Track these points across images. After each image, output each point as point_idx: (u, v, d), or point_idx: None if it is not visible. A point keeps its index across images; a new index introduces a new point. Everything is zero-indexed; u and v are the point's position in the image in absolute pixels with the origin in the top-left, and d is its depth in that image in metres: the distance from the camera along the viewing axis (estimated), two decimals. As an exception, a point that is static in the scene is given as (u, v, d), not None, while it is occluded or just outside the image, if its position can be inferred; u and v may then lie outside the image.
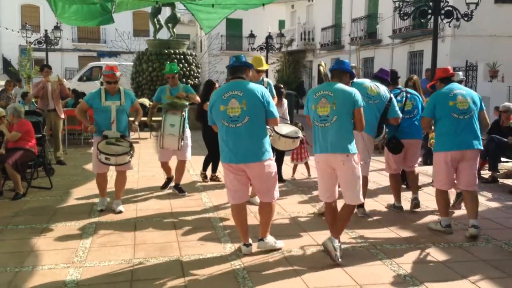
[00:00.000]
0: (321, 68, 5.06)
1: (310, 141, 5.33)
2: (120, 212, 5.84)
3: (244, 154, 4.25)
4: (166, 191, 6.99)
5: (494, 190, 7.22)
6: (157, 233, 5.14)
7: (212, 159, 7.57)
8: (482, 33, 15.27)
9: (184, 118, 6.51)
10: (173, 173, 6.98)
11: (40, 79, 9.32)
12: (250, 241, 4.52)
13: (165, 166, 6.96)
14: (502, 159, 8.11)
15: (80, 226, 5.34)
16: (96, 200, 6.30)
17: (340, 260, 4.20)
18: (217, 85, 7.33)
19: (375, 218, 5.77)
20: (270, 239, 4.55)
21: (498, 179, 7.85)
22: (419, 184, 6.46)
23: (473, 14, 9.79)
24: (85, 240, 4.86)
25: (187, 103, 6.58)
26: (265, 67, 5.98)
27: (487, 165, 8.17)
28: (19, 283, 3.86)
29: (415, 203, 6.01)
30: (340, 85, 4.34)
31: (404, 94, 6.05)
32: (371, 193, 6.88)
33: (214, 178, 7.70)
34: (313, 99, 4.37)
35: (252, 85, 4.36)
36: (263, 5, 9.69)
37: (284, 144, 6.00)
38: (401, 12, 9.93)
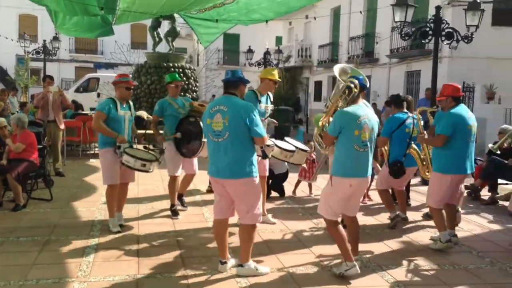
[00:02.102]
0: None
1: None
2: (122, 225, 5.77)
3: (223, 169, 4.23)
4: (166, 205, 6.87)
5: (495, 212, 7.24)
6: (160, 248, 5.09)
7: None
8: (479, 55, 15.42)
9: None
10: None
11: (39, 90, 9.28)
12: (228, 259, 4.47)
13: (174, 182, 6.45)
14: (502, 181, 8.15)
15: (82, 239, 5.29)
16: (97, 212, 6.24)
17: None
18: None
19: (376, 234, 5.76)
20: (249, 264, 4.37)
21: (498, 200, 7.88)
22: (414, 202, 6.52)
23: (473, 36, 9.92)
24: (88, 254, 4.81)
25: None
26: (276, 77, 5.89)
27: (486, 187, 8.21)
28: (24, 297, 3.81)
29: (397, 221, 6.17)
30: None
31: (412, 120, 6.05)
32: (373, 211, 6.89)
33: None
34: (357, 125, 4.24)
35: (238, 102, 4.28)
36: (267, 21, 9.76)
37: (285, 157, 5.74)
38: (402, 33, 10.02)
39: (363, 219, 6.56)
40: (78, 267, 4.46)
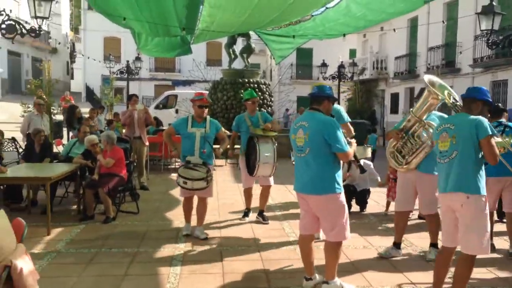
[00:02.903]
0: (445, 98, 4.63)
1: None
2: (206, 238, 5.91)
3: (306, 185, 4.21)
4: (247, 219, 7.00)
5: None
6: (243, 262, 5.14)
7: None
8: None
9: (276, 147, 6.56)
10: (253, 203, 7.01)
11: (123, 107, 9.79)
12: (314, 276, 4.41)
13: (248, 192, 6.97)
14: None
15: (168, 251, 5.46)
16: (181, 225, 6.44)
17: None
18: None
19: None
20: (335, 281, 4.28)
21: None
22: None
23: None
24: (175, 266, 4.95)
25: (275, 133, 6.63)
26: None
27: None
28: (118, 307, 3.97)
29: None
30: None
31: (502, 128, 5.72)
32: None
33: None
34: (435, 134, 4.15)
35: (319, 117, 4.22)
36: (344, 35, 9.69)
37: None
38: (489, 41, 9.54)
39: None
40: (166, 279, 4.60)
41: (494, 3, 9.75)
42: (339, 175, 4.26)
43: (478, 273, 4.88)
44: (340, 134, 4.19)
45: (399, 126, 5.24)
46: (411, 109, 5.09)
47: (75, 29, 50.39)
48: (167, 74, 38.48)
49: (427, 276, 4.57)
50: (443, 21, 17.84)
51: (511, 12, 15.67)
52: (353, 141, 4.51)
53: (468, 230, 3.82)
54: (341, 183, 4.28)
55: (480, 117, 3.93)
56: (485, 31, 9.62)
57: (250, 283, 4.53)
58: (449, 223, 4.01)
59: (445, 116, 5.12)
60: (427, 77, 4.76)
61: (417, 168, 5.04)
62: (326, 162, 4.17)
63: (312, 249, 4.46)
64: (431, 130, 4.75)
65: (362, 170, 5.08)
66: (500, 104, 6.09)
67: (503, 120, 5.78)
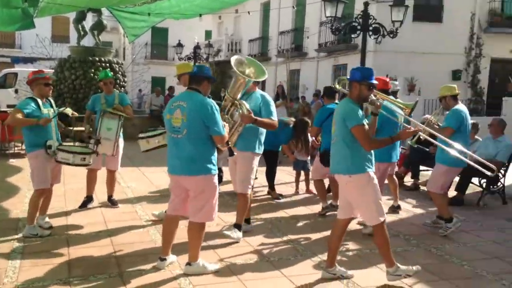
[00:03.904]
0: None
1: None
2: (50, 227, 5.50)
3: (180, 166, 4.18)
4: (96, 204, 6.66)
5: (417, 197, 7.66)
6: (93, 249, 4.91)
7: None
8: (402, 49, 16.18)
9: (121, 123, 6.31)
10: (97, 188, 6.69)
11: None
12: (168, 256, 4.42)
13: (92, 175, 6.53)
14: (424, 167, 8.63)
15: (7, 243, 4.98)
16: (21, 215, 5.92)
17: None
18: None
19: (312, 225, 5.92)
20: (198, 263, 4.29)
21: (420, 186, 8.34)
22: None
23: (398, 31, 10.40)
24: (14, 260, 4.53)
25: (124, 115, 6.38)
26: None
27: (409, 173, 8.67)
28: None
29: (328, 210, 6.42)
30: None
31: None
32: (307, 200, 7.07)
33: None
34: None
35: (198, 98, 4.17)
36: (200, 15, 9.67)
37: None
38: (333, 28, 10.30)
39: (297, 210, 6.72)
40: (4, 273, 4.20)
41: (338, -9, 10.46)
42: (215, 157, 4.26)
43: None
44: (218, 116, 4.16)
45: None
46: (227, 90, 5.21)
47: None
48: (5, 50, 34.62)
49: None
50: (293, 7, 18.78)
51: (352, 1, 17.07)
52: (226, 125, 4.47)
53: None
54: (216, 165, 4.28)
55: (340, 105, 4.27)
56: (330, 18, 10.33)
57: (99, 269, 4.35)
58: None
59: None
60: (233, 59, 4.95)
61: (235, 145, 5.14)
62: (202, 144, 4.14)
63: (175, 230, 4.43)
64: (244, 109, 4.90)
65: (231, 153, 5.00)
66: (334, 86, 6.62)
67: (337, 101, 6.32)
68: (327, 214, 6.40)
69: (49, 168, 5.31)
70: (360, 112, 4.08)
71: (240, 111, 4.89)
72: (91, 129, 6.54)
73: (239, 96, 5.00)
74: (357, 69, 4.27)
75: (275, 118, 5.21)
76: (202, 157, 4.15)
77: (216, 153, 4.30)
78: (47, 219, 5.58)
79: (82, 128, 6.80)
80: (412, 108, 4.78)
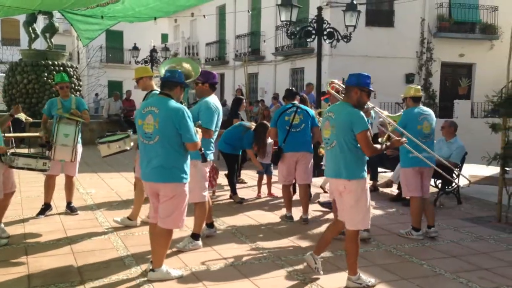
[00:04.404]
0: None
1: None
2: (8, 237, 5.30)
3: (152, 173, 4.14)
4: (55, 211, 6.50)
5: (376, 199, 7.84)
6: (52, 258, 4.78)
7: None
8: (356, 53, 16.56)
9: (79, 129, 6.18)
10: (55, 195, 6.53)
11: None
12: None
13: (50, 182, 6.35)
14: (381, 169, 8.87)
15: (-41, 256, 4.78)
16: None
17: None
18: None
19: (275, 228, 5.97)
20: (161, 269, 4.23)
21: (379, 188, 8.55)
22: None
23: (351, 36, 10.65)
24: (-32, 272, 4.37)
25: (82, 120, 6.25)
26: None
27: (368, 175, 8.87)
28: None
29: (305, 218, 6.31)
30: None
31: (295, 109, 6.36)
32: (272, 206, 7.12)
33: (240, 181, 8.59)
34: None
35: (171, 105, 4.09)
36: (155, 18, 9.59)
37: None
38: (288, 32, 10.45)
39: (259, 213, 6.77)
40: (-43, 286, 4.04)
41: (291, -4, 10.63)
42: (187, 164, 4.21)
43: (283, 243, 5.39)
44: (191, 123, 4.10)
45: None
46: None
47: None
48: (-50, 54, 33.17)
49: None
50: (248, 11, 18.88)
51: (305, 5, 17.35)
52: (199, 130, 4.42)
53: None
54: (188, 173, 4.23)
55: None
56: (285, 22, 10.46)
57: (60, 279, 4.23)
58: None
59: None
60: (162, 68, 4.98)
61: None
62: (174, 151, 4.08)
63: None
64: None
65: (204, 159, 4.91)
66: (293, 88, 6.98)
67: (296, 102, 6.55)
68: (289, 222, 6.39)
69: (1, 176, 5.11)
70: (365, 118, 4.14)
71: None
72: (46, 135, 6.38)
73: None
74: (357, 75, 4.26)
75: (208, 127, 4.93)
76: (174, 165, 4.11)
77: (188, 161, 4.24)
78: (2, 225, 5.38)
79: (37, 134, 6.62)
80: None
